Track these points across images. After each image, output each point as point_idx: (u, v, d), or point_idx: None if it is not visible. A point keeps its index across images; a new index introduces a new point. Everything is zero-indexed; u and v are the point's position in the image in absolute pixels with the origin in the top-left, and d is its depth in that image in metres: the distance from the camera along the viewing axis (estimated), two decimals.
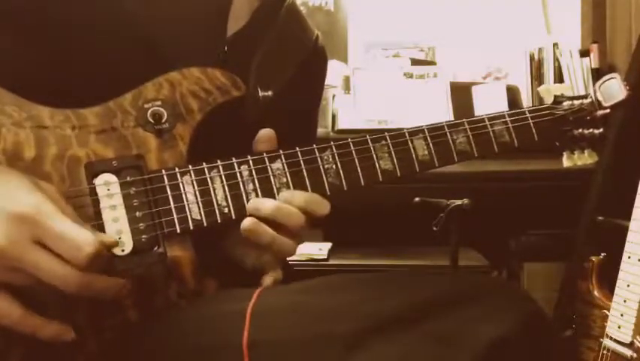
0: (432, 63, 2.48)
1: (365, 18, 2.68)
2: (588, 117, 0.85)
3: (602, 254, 1.53)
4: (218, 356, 0.63)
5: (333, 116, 2.22)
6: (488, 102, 2.19)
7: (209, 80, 0.77)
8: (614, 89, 0.84)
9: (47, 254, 0.60)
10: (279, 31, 0.90)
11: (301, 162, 0.75)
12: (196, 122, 0.75)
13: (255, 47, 0.87)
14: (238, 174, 0.74)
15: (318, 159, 0.76)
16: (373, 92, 2.21)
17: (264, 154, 0.75)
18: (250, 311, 0.64)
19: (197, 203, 0.72)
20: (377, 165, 0.77)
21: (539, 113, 0.84)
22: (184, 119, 0.75)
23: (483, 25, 2.61)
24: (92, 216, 0.68)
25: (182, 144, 0.74)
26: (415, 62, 2.39)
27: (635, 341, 1.33)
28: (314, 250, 2.01)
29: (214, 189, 0.73)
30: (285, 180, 0.75)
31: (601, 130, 0.85)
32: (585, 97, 0.86)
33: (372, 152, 0.77)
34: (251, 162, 0.74)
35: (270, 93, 0.86)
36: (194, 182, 0.72)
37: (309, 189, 0.75)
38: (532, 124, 0.83)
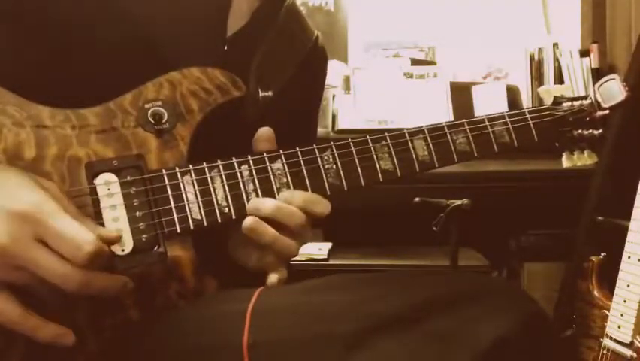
0: (432, 63, 2.48)
1: (365, 18, 2.68)
2: (588, 118, 0.85)
3: (602, 254, 1.53)
4: (219, 356, 0.63)
5: (333, 116, 2.22)
6: (488, 102, 2.19)
7: (209, 80, 0.77)
8: (613, 90, 0.84)
9: (48, 252, 0.60)
10: (279, 31, 0.90)
11: (301, 162, 0.75)
12: (196, 122, 0.75)
13: (255, 46, 0.87)
14: (238, 174, 0.74)
15: (319, 159, 0.76)
16: (373, 92, 2.21)
17: (265, 154, 0.75)
18: (250, 311, 0.64)
19: (198, 203, 0.72)
20: (377, 165, 0.77)
21: (539, 114, 0.84)
22: (184, 119, 0.75)
23: (483, 25, 2.61)
24: (92, 216, 0.68)
25: (183, 144, 0.74)
26: (415, 62, 2.39)
27: (635, 341, 1.33)
28: (314, 250, 2.01)
29: (214, 189, 0.73)
30: (285, 180, 0.75)
31: (600, 131, 0.85)
32: (585, 98, 0.86)
33: (373, 152, 0.77)
34: (251, 162, 0.74)
35: (270, 93, 0.86)
36: (195, 182, 0.72)
37: (309, 189, 0.75)
38: (532, 125, 0.83)
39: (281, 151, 0.75)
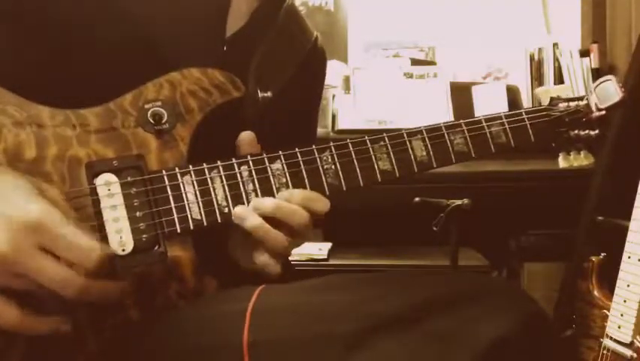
0: (432, 63, 2.48)
1: (365, 18, 2.68)
2: (584, 119, 0.86)
3: (602, 254, 1.52)
4: (219, 355, 0.63)
5: (333, 116, 2.22)
6: (488, 102, 2.19)
7: (209, 80, 0.77)
8: (609, 91, 0.84)
9: (51, 260, 0.60)
10: (279, 32, 0.90)
11: (300, 162, 0.76)
12: (196, 123, 0.75)
13: (254, 47, 0.87)
14: (238, 175, 0.74)
15: (318, 160, 0.76)
16: (373, 92, 2.21)
17: (264, 154, 0.75)
18: (250, 311, 0.64)
19: (198, 203, 0.72)
20: (376, 165, 0.78)
21: (536, 115, 0.84)
22: (184, 120, 0.75)
23: (483, 25, 2.61)
24: (92, 216, 0.68)
25: (183, 145, 0.74)
26: (415, 62, 2.39)
27: (635, 341, 1.33)
28: (314, 250, 2.01)
29: (214, 189, 0.73)
30: (284, 180, 0.75)
31: (597, 131, 0.86)
32: (581, 99, 0.86)
33: (371, 153, 0.78)
34: (251, 162, 0.74)
35: (269, 94, 0.86)
36: (195, 182, 0.72)
37: (308, 189, 0.75)
38: (528, 125, 0.83)
39: (280, 151, 0.76)
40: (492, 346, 0.59)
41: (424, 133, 0.80)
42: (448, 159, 0.80)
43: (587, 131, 0.86)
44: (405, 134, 0.79)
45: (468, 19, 2.61)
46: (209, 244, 0.73)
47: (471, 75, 2.53)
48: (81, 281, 0.61)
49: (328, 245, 2.08)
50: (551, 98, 0.87)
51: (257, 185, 0.74)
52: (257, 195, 0.74)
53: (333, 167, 0.76)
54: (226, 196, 0.73)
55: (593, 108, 0.85)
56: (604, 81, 0.85)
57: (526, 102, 2.37)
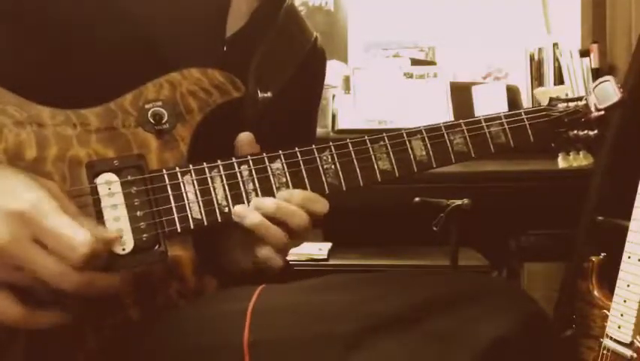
0: (432, 63, 2.48)
1: (365, 18, 2.68)
2: (583, 119, 0.86)
3: (602, 254, 1.52)
4: (219, 355, 0.63)
5: (333, 116, 2.22)
6: (488, 102, 2.19)
7: (209, 80, 0.77)
8: (608, 92, 0.84)
9: (45, 253, 0.60)
10: (278, 33, 0.90)
11: (300, 162, 0.76)
12: (196, 123, 0.75)
13: (254, 47, 0.87)
14: (238, 174, 0.74)
15: (317, 160, 0.76)
16: (373, 92, 2.21)
17: (264, 154, 0.75)
18: (250, 311, 0.64)
19: (198, 202, 0.72)
20: (376, 165, 0.78)
21: (535, 115, 0.84)
22: (184, 120, 0.75)
23: (483, 25, 2.61)
24: (93, 216, 0.68)
25: (183, 145, 0.74)
26: (415, 62, 2.39)
27: (635, 341, 1.33)
28: (314, 250, 2.01)
29: (214, 189, 0.73)
30: (284, 179, 0.75)
31: (596, 132, 0.86)
32: (580, 99, 0.87)
33: (371, 152, 0.78)
34: (251, 162, 0.75)
35: (269, 94, 0.86)
36: (195, 181, 0.72)
37: (308, 189, 0.75)
38: (528, 125, 0.84)
39: (280, 151, 0.76)
40: (492, 346, 0.59)
41: (424, 133, 0.80)
42: (447, 159, 0.80)
43: (586, 132, 0.86)
44: (404, 134, 0.79)
45: (468, 19, 2.61)
46: (209, 244, 0.73)
47: (471, 75, 2.53)
48: (77, 275, 0.60)
49: (328, 245, 2.08)
50: (550, 99, 0.87)
51: (257, 184, 0.74)
52: (257, 195, 0.74)
53: (332, 167, 0.77)
54: (226, 196, 0.73)
55: (592, 109, 0.85)
56: (603, 82, 0.85)
57: (526, 102, 2.37)
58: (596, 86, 0.85)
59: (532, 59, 2.42)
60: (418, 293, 0.64)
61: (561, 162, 0.89)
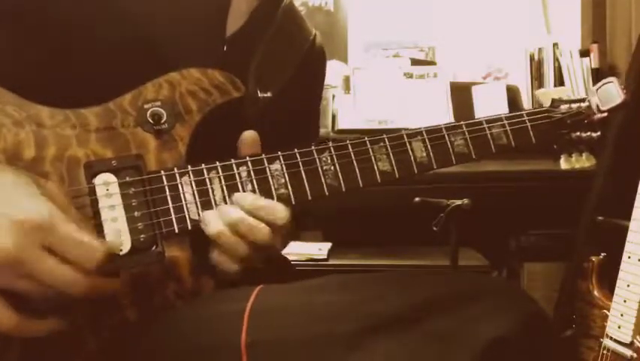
0: (432, 63, 2.48)
1: (365, 18, 2.67)
2: (586, 121, 0.85)
3: (602, 254, 1.52)
4: (217, 356, 0.63)
5: (333, 116, 2.22)
6: (488, 102, 2.19)
7: (208, 80, 0.77)
8: (611, 93, 0.84)
9: (56, 260, 0.60)
10: (277, 32, 0.90)
11: (300, 163, 0.75)
12: (195, 123, 0.75)
13: (253, 47, 0.87)
14: (237, 175, 0.74)
15: (317, 160, 0.76)
16: (373, 92, 2.21)
17: (263, 155, 0.75)
18: (248, 311, 0.64)
19: (196, 203, 0.72)
20: (375, 166, 0.77)
21: (537, 117, 0.84)
22: (183, 120, 0.75)
23: (483, 25, 2.61)
24: (90, 216, 0.68)
25: (182, 145, 0.74)
26: (415, 62, 2.39)
27: (635, 341, 1.33)
28: (314, 250, 2.01)
29: (212, 190, 0.73)
30: (283, 181, 0.75)
31: (598, 133, 0.85)
32: (582, 100, 0.86)
33: (371, 153, 0.77)
34: (249, 163, 0.74)
35: (269, 94, 0.86)
36: (193, 182, 0.72)
37: (307, 190, 0.75)
38: (529, 127, 0.83)
39: (279, 152, 0.75)
40: (492, 346, 0.59)
41: (424, 134, 0.79)
42: (448, 161, 0.80)
43: (588, 133, 0.85)
44: (405, 136, 0.79)
45: (468, 19, 2.61)
46: (206, 245, 0.73)
47: (471, 75, 2.53)
48: (87, 280, 0.61)
49: (328, 245, 2.08)
50: (553, 100, 0.87)
51: (255, 186, 0.74)
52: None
53: (332, 168, 0.76)
54: (224, 197, 0.73)
55: (595, 110, 0.85)
56: (606, 83, 0.84)
57: (526, 102, 2.36)
58: (599, 87, 0.85)
59: (532, 59, 2.42)
60: (418, 293, 0.64)
61: (563, 164, 0.88)
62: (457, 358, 0.60)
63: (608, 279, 1.47)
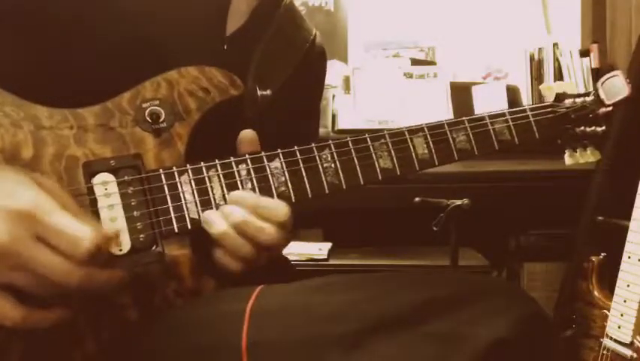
0: (432, 63, 2.48)
1: (365, 18, 2.67)
2: (590, 115, 0.84)
3: (602, 254, 1.52)
4: (217, 356, 0.63)
5: (333, 116, 2.22)
6: (488, 102, 2.19)
7: (207, 79, 0.76)
8: (617, 86, 0.83)
9: (48, 250, 0.60)
10: (277, 31, 0.90)
11: (300, 161, 0.75)
12: (194, 122, 0.75)
13: (253, 46, 0.87)
14: (236, 174, 0.73)
15: (317, 158, 0.75)
16: (373, 92, 2.21)
17: (262, 153, 0.75)
18: (249, 311, 0.64)
19: (195, 202, 0.71)
20: (376, 163, 0.77)
21: (541, 111, 0.83)
22: (182, 119, 0.75)
23: (483, 25, 2.61)
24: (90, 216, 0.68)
25: (180, 144, 0.74)
26: (415, 62, 2.39)
27: (635, 341, 1.33)
28: (314, 250, 2.01)
29: (212, 189, 0.72)
30: (283, 179, 0.74)
31: (603, 128, 0.84)
32: (587, 94, 0.85)
33: (372, 150, 0.77)
34: (249, 161, 0.74)
35: (268, 92, 0.86)
36: (192, 181, 0.72)
37: (307, 187, 0.75)
38: (533, 122, 0.82)
39: (279, 150, 0.75)
40: (492, 346, 0.59)
41: (426, 131, 0.79)
42: (450, 157, 0.79)
43: (593, 128, 0.84)
44: (406, 132, 0.78)
45: (468, 19, 2.61)
46: (206, 244, 0.73)
47: (471, 75, 2.53)
48: (80, 271, 0.60)
49: (328, 245, 2.08)
50: (557, 95, 0.85)
51: (255, 184, 0.74)
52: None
53: (332, 165, 0.76)
54: (224, 196, 0.72)
55: (600, 104, 0.84)
56: (611, 76, 0.83)
57: (526, 102, 2.36)
58: (604, 81, 0.84)
59: (532, 59, 2.42)
60: (418, 294, 0.64)
61: (567, 159, 0.87)
62: (457, 358, 0.59)
63: (608, 279, 1.48)
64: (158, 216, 0.70)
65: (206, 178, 0.72)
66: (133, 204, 0.69)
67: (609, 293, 1.43)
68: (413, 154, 0.78)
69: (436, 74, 2.25)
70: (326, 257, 2.00)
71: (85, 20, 0.77)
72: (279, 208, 0.72)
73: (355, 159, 0.76)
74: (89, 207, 0.69)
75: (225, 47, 0.85)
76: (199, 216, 0.71)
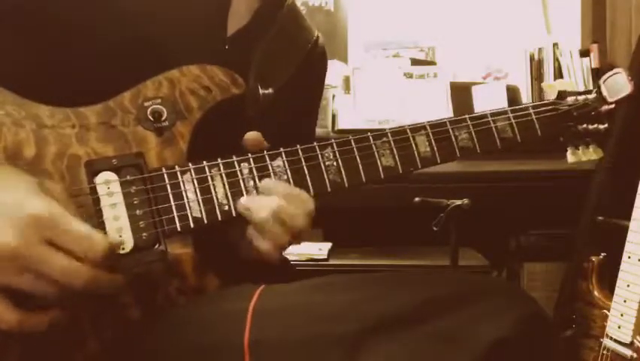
0: (432, 63, 2.48)
1: (365, 18, 2.67)
2: (593, 113, 0.84)
3: (602, 254, 1.52)
4: (220, 354, 0.63)
5: (333, 116, 2.22)
6: (488, 102, 2.19)
7: (208, 77, 0.76)
8: (619, 84, 0.83)
9: (58, 253, 0.60)
10: (280, 31, 0.90)
11: (302, 159, 0.75)
12: (196, 120, 0.75)
13: (256, 45, 0.87)
14: (238, 172, 0.74)
15: (319, 156, 0.76)
16: (373, 92, 2.21)
17: (265, 152, 0.75)
18: (251, 310, 0.64)
19: (198, 201, 0.72)
20: (378, 161, 0.77)
21: (543, 109, 0.83)
22: (184, 117, 0.75)
23: (483, 25, 2.61)
24: (92, 215, 0.68)
25: (182, 142, 0.74)
26: (415, 62, 2.39)
27: (635, 341, 1.33)
28: (314, 250, 2.01)
29: (214, 187, 0.73)
30: (285, 177, 0.75)
31: (606, 125, 0.84)
32: (589, 92, 0.85)
33: (374, 149, 0.77)
34: (251, 159, 0.74)
35: (270, 91, 0.86)
36: (195, 180, 0.72)
37: (309, 186, 0.75)
38: (535, 120, 0.82)
39: (281, 148, 0.75)
40: (492, 346, 0.59)
41: (428, 129, 0.79)
42: (452, 155, 0.79)
43: (595, 125, 0.84)
44: (408, 130, 0.78)
45: (468, 19, 2.61)
46: (209, 242, 0.73)
47: (471, 75, 2.53)
48: (89, 272, 0.61)
49: (328, 245, 2.08)
50: (559, 92, 0.85)
51: (257, 182, 0.74)
52: (258, 193, 0.74)
53: (335, 163, 0.76)
54: (226, 194, 0.73)
55: (602, 101, 0.84)
56: (614, 74, 0.83)
57: (526, 102, 2.36)
58: (607, 78, 0.84)
59: (532, 59, 2.42)
60: (419, 294, 0.64)
61: (570, 157, 0.87)
62: (458, 358, 0.60)
63: (608, 279, 1.48)
64: (160, 215, 0.70)
65: (209, 177, 0.73)
66: (135, 202, 0.70)
67: (609, 293, 1.43)
68: (415, 152, 0.78)
69: (436, 74, 2.25)
70: (326, 257, 1.99)
71: (86, 20, 0.77)
72: (308, 198, 0.73)
73: (357, 157, 0.76)
74: (92, 205, 0.69)
75: (227, 47, 0.85)
76: (202, 214, 0.71)
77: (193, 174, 0.72)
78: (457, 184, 1.89)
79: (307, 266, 1.92)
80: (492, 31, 2.61)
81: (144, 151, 0.72)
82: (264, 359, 0.62)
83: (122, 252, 0.67)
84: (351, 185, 0.76)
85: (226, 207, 0.72)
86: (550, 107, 0.83)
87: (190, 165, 0.72)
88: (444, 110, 2.16)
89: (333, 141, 0.76)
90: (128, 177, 0.70)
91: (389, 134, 0.77)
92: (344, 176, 0.76)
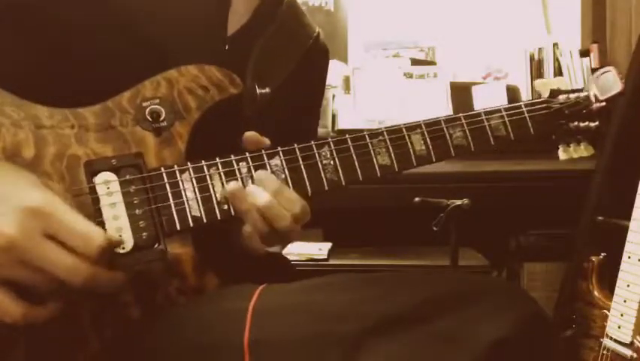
0: (432, 63, 2.48)
1: (365, 18, 2.67)
2: (584, 110, 0.85)
3: (602, 254, 1.52)
4: (220, 354, 0.63)
5: (333, 116, 2.22)
6: (488, 102, 2.18)
7: (206, 77, 0.77)
8: (609, 82, 0.84)
9: (57, 246, 0.61)
10: (278, 29, 0.90)
11: (299, 158, 0.75)
12: (194, 120, 0.75)
13: (255, 44, 0.87)
14: (237, 171, 0.74)
15: (316, 155, 0.76)
16: (373, 92, 2.21)
17: (263, 151, 0.75)
18: (251, 310, 0.64)
19: (197, 200, 0.72)
20: (375, 160, 0.78)
21: (535, 107, 0.84)
22: (182, 117, 0.75)
23: (483, 25, 2.61)
24: (92, 215, 0.68)
25: (181, 142, 0.74)
26: (415, 62, 2.39)
27: (635, 341, 1.33)
28: (314, 250, 2.01)
29: (213, 186, 0.73)
30: (283, 176, 0.75)
31: (597, 123, 0.86)
32: (581, 90, 0.86)
33: (370, 147, 0.78)
34: (249, 159, 0.74)
35: (267, 90, 0.86)
36: (194, 179, 0.72)
37: (307, 184, 0.75)
38: (528, 117, 0.83)
39: (279, 147, 0.75)
40: (492, 346, 0.59)
41: (423, 127, 0.80)
42: (447, 153, 0.80)
43: (586, 123, 0.86)
44: (404, 129, 0.79)
45: (468, 19, 2.61)
46: (209, 241, 0.73)
47: (471, 75, 2.53)
48: (88, 269, 0.61)
49: (328, 245, 2.08)
50: (551, 91, 0.87)
51: None
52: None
53: (332, 162, 0.76)
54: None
55: (593, 100, 0.85)
56: (604, 72, 0.85)
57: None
58: (598, 77, 0.85)
59: (532, 58, 2.42)
60: (419, 293, 0.64)
61: (562, 154, 0.88)
62: (458, 358, 0.60)
63: (608, 279, 1.48)
64: (160, 214, 0.70)
65: (207, 176, 0.73)
66: (135, 202, 0.70)
67: (609, 293, 1.43)
68: (411, 150, 0.79)
69: (436, 74, 2.25)
70: (326, 257, 1.99)
71: (85, 20, 0.77)
72: (297, 199, 0.73)
73: (354, 155, 0.77)
74: (91, 205, 0.69)
75: (227, 47, 0.85)
76: (201, 214, 0.71)
77: (192, 174, 0.72)
78: (457, 184, 1.89)
79: (307, 266, 1.92)
80: (492, 31, 2.61)
81: (143, 151, 0.72)
82: (264, 358, 0.62)
83: (122, 251, 0.67)
84: (348, 183, 0.76)
85: (225, 207, 0.72)
86: (542, 105, 0.85)
87: (189, 164, 0.73)
88: (444, 110, 2.16)
89: (330, 140, 0.77)
90: (128, 177, 0.70)
91: (385, 133, 0.78)
92: (341, 174, 0.76)
